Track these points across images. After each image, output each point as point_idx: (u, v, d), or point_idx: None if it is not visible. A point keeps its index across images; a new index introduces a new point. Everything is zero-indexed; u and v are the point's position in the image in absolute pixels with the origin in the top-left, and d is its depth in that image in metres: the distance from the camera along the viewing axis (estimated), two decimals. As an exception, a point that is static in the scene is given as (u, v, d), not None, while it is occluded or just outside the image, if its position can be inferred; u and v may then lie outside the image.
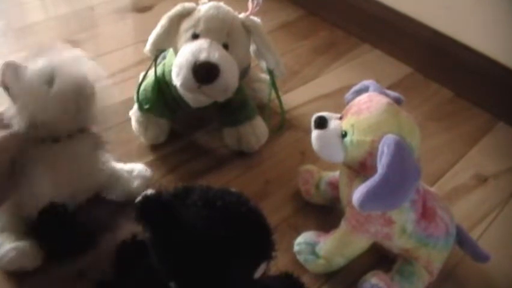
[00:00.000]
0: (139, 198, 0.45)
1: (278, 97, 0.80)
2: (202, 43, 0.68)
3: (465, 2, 0.98)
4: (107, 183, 0.68)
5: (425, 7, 1.06)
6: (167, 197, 0.45)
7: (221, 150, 0.82)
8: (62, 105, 0.56)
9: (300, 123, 0.90)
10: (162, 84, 0.76)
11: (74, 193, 0.62)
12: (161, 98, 0.76)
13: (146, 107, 0.76)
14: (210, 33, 0.69)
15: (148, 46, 0.74)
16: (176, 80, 0.68)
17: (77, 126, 0.60)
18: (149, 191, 0.43)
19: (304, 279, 0.61)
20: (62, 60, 0.57)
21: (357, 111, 0.58)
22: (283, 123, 0.81)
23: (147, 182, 0.70)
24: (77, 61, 0.58)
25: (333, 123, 0.59)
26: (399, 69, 1.10)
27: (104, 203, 0.68)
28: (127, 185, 0.69)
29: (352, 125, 0.57)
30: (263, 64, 0.78)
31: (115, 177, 0.69)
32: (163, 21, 0.72)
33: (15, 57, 0.55)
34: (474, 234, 0.72)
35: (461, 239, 0.66)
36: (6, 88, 0.55)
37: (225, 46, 0.70)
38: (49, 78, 0.55)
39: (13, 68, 0.55)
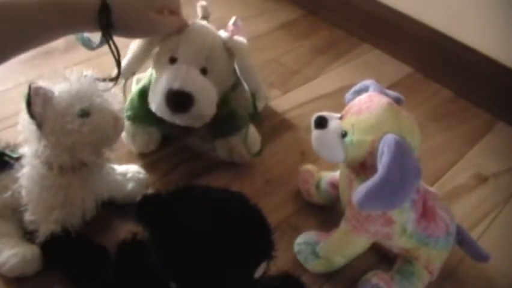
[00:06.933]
0: (139, 199, 0.45)
1: (258, 119, 0.77)
2: (178, 69, 0.65)
3: (465, 2, 0.98)
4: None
5: (425, 7, 1.06)
6: (167, 197, 0.46)
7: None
8: (98, 138, 0.54)
9: (300, 123, 0.90)
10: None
11: (88, 211, 0.61)
12: (148, 107, 0.73)
13: (132, 116, 0.75)
14: (187, 57, 0.66)
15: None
16: (152, 105, 0.67)
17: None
18: (149, 191, 0.43)
19: (304, 279, 0.61)
20: (90, 88, 0.54)
21: (357, 111, 0.58)
22: (262, 148, 0.77)
23: (142, 185, 0.68)
24: (106, 91, 0.56)
25: (333, 123, 0.59)
26: (399, 69, 1.10)
27: (103, 204, 0.68)
28: (121, 188, 0.67)
29: (352, 125, 0.57)
30: (245, 86, 0.75)
31: (110, 180, 0.66)
32: (134, 46, 0.70)
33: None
34: (474, 234, 0.71)
35: (461, 239, 0.66)
36: (34, 117, 0.51)
37: (204, 71, 0.67)
38: (81, 111, 0.53)
39: (43, 95, 0.51)
